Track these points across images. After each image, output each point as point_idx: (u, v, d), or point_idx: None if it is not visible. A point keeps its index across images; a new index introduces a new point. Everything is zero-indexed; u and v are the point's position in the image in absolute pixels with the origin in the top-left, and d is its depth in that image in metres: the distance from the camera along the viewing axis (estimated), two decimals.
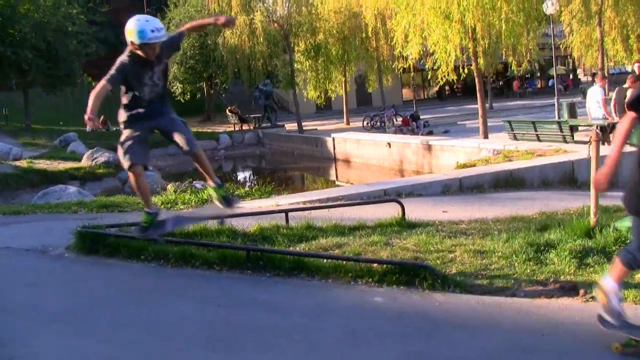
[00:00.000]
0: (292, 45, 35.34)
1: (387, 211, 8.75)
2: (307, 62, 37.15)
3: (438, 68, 22.24)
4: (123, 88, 6.46)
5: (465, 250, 6.99)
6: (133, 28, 6.05)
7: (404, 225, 8.30)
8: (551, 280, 6.09)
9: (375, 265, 6.50)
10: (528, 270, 6.35)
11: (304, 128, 33.71)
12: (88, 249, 7.89)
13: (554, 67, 33.13)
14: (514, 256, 6.68)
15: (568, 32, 38.59)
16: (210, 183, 6.71)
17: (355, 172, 24.50)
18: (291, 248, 7.52)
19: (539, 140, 18.60)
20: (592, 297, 5.66)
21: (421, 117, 33.22)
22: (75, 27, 37.61)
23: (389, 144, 22.70)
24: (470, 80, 26.65)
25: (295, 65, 36.46)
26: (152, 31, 6.02)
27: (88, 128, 5.86)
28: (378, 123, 34.30)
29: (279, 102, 40.55)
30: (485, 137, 21.92)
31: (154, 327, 5.51)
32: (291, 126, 36.41)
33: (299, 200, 10.69)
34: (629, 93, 16.55)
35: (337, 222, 8.44)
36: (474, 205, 10.24)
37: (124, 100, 6.48)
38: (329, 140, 27.17)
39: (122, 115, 6.51)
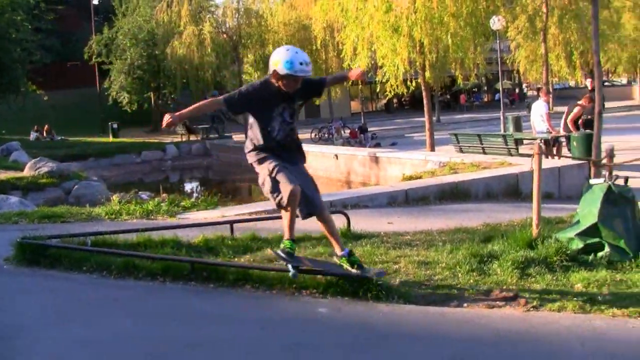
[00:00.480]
0: (241, 56, 35.30)
1: None
2: (256, 74, 37.13)
3: (387, 81, 22.40)
4: (251, 125, 6.19)
5: (410, 262, 7.02)
6: (281, 57, 5.85)
7: (350, 236, 8.29)
8: (494, 290, 6.16)
9: (319, 276, 6.48)
10: (471, 281, 6.40)
11: None
12: (28, 261, 7.72)
13: (500, 82, 33.66)
14: (457, 267, 6.72)
15: (514, 48, 39.34)
16: (337, 251, 6.29)
17: None
18: (236, 259, 7.47)
19: (484, 153, 18.86)
20: (533, 307, 5.75)
21: (369, 129, 33.42)
22: (20, 34, 36.94)
23: (336, 155, 22.76)
24: (418, 93, 26.85)
25: (244, 77, 36.43)
26: (301, 64, 5.81)
27: (164, 123, 5.50)
28: (326, 135, 34.43)
29: (227, 113, 40.33)
30: (432, 149, 22.12)
31: (94, 342, 5.37)
32: (239, 137, 36.22)
33: (245, 212, 10.63)
34: (575, 110, 16.94)
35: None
36: (419, 216, 10.30)
37: (254, 137, 6.18)
38: None
39: (253, 156, 6.22)
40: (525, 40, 36.72)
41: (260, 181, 6.23)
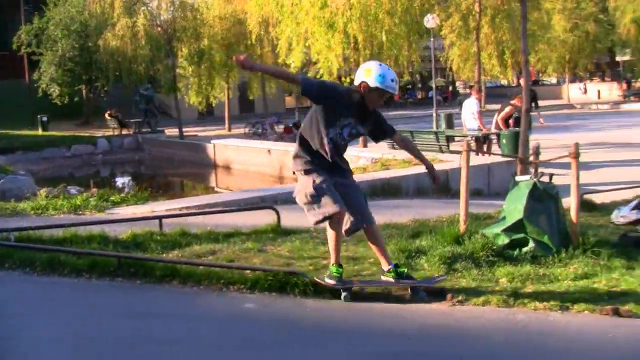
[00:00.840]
0: (175, 50, 34.86)
1: (263, 218, 8.72)
2: (190, 68, 36.72)
3: (321, 77, 22.40)
4: (308, 120, 5.98)
5: None
6: (374, 70, 5.78)
7: (279, 232, 8.30)
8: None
9: (247, 272, 6.45)
10: None
11: (185, 134, 33.26)
12: None
13: (434, 79, 34.04)
14: None
15: (448, 46, 39.84)
16: (384, 267, 6.09)
17: (235, 178, 24.36)
18: (164, 255, 7.38)
19: None
20: (459, 301, 5.82)
21: None
22: None
23: (269, 151, 22.68)
24: None
25: (178, 71, 35.99)
26: (392, 80, 5.75)
27: (236, 57, 5.30)
28: (260, 130, 34.23)
29: (160, 107, 39.76)
30: (365, 145, 22.21)
31: (12, 342, 5.21)
32: (172, 132, 35.84)
33: (175, 207, 10.52)
34: (507, 109, 17.26)
35: (212, 229, 8.34)
36: None
37: (306, 135, 5.98)
38: (210, 147, 26.91)
39: (301, 164, 6.02)
40: (459, 39, 37.14)
41: (296, 189, 6.11)
